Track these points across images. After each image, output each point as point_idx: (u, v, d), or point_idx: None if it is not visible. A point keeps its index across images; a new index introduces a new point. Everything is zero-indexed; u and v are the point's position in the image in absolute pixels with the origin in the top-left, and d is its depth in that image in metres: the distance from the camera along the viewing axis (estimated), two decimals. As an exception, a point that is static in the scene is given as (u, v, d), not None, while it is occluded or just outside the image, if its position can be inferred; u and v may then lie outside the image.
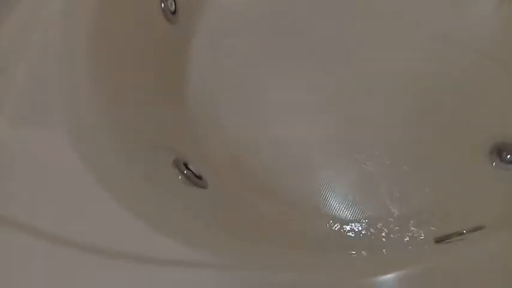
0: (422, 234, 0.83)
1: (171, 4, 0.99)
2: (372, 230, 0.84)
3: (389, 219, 0.84)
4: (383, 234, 0.84)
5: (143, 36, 0.92)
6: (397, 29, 1.07)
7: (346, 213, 0.87)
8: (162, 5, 0.96)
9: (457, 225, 0.76)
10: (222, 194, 0.83)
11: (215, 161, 0.91)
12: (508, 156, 0.87)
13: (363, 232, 0.84)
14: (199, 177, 0.81)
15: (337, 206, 0.88)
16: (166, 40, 1.00)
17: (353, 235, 0.85)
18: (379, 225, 0.84)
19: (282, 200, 0.88)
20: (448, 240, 0.69)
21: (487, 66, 0.99)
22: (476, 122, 0.94)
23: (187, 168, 0.79)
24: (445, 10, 1.07)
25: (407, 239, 0.83)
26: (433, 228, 0.81)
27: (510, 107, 0.93)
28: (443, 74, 1.00)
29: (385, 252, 0.79)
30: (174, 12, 1.00)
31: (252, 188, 0.88)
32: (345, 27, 1.09)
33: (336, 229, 0.86)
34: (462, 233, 0.68)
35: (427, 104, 0.98)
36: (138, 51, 0.89)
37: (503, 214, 0.77)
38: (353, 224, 0.86)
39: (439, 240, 0.72)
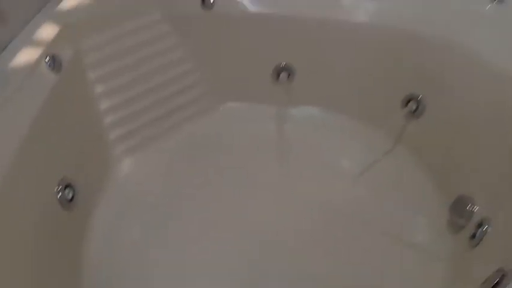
0: None
1: (68, 193, 1.06)
2: None
3: None
4: None
5: (39, 228, 0.95)
6: (274, 198, 1.24)
7: None
8: (59, 196, 1.03)
9: None
10: None
11: None
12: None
13: None
14: None
15: None
16: (63, 227, 1.05)
17: None
18: None
19: None
20: None
21: (361, 231, 1.16)
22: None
23: None
24: (317, 180, 1.28)
25: None
26: None
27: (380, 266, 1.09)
28: (319, 237, 1.15)
29: None
30: (71, 200, 1.07)
31: None
32: (232, 196, 1.24)
33: None
34: None
35: (303, 267, 1.09)
36: (32, 243, 0.92)
37: None
38: None
39: None
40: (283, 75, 1.44)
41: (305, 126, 1.43)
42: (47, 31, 1.15)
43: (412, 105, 1.28)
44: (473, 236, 0.97)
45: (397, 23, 1.26)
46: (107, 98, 1.27)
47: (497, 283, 0.68)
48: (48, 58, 1.09)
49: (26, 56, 1.06)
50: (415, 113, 1.28)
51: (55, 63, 1.10)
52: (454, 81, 1.16)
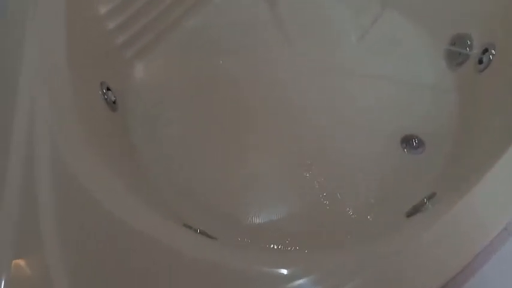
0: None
1: (111, 95, 1.05)
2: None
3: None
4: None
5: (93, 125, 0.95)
6: (286, 66, 1.35)
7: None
8: (106, 97, 1.02)
9: (397, 203, 1.00)
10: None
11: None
12: (415, 144, 1.15)
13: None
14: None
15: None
16: (112, 126, 1.05)
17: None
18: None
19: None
20: (417, 212, 0.89)
21: (372, 83, 1.29)
22: (387, 124, 1.22)
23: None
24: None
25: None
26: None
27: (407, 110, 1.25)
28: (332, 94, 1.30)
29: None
30: (114, 102, 1.06)
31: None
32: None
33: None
34: (425, 202, 0.89)
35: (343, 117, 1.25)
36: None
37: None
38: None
39: (410, 214, 0.92)
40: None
41: (298, 5, 1.47)
42: None
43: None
44: (480, 61, 1.14)
45: None
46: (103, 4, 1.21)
47: None
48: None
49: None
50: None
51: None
52: None
